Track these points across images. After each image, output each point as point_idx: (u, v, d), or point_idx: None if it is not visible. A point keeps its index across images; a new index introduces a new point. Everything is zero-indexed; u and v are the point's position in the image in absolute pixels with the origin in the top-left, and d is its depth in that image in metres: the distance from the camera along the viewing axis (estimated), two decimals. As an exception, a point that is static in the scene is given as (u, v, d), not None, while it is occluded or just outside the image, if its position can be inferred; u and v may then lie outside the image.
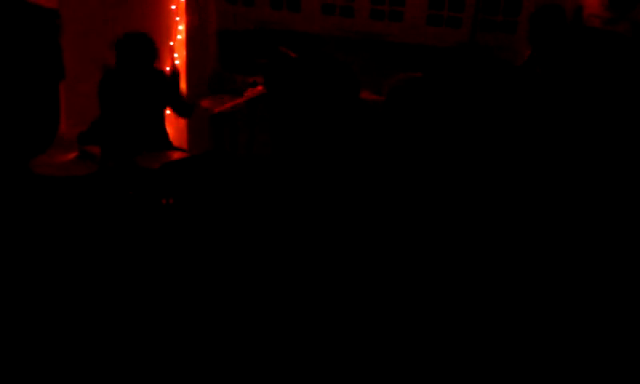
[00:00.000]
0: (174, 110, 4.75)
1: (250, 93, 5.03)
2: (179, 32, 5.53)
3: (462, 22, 5.43)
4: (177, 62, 5.50)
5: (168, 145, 4.64)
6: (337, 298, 3.43)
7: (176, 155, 4.35)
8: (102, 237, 3.92)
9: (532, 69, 4.27)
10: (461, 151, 3.50)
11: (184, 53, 5.57)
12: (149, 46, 4.42)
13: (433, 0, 5.50)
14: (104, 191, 4.06)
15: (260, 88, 4.92)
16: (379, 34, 5.61)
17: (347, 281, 3.52)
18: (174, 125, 5.18)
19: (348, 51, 5.08)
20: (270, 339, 3.18)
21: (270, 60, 4.45)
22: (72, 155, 3.93)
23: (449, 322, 3.25)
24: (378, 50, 5.54)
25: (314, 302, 3.42)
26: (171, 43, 5.45)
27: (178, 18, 5.49)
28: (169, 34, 5.45)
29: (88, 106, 4.55)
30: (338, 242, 3.73)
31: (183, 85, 5.33)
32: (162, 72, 4.64)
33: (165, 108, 4.66)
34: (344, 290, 3.47)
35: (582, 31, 4.14)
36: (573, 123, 3.44)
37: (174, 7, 5.44)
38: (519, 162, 3.55)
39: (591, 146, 3.34)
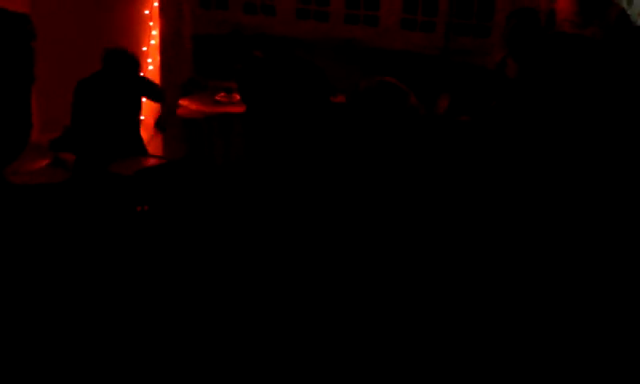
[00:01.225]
0: (148, 96, 4.72)
1: (224, 97, 5.02)
2: (153, 37, 5.49)
3: (435, 27, 5.47)
4: (151, 67, 5.46)
5: (143, 151, 4.60)
6: (328, 300, 3.42)
7: (151, 162, 4.31)
8: (76, 244, 3.86)
9: (504, 72, 4.32)
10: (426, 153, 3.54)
11: (158, 58, 5.53)
12: (135, 67, 4.42)
13: (407, 4, 5.53)
14: (78, 198, 4.01)
15: (235, 94, 4.90)
16: (354, 38, 5.62)
17: (332, 283, 3.51)
18: (149, 131, 5.13)
19: (324, 55, 5.09)
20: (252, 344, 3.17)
21: (244, 64, 4.44)
22: (45, 162, 3.88)
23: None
24: (353, 54, 5.56)
25: (294, 306, 3.41)
26: (144, 48, 5.41)
27: (151, 23, 5.45)
28: (142, 39, 5.41)
29: (60, 112, 4.49)
30: (314, 243, 3.72)
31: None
32: (138, 76, 4.61)
33: (139, 113, 4.62)
34: (334, 292, 3.47)
35: (554, 35, 4.20)
36: (546, 123, 3.48)
37: (147, 12, 5.40)
38: (493, 160, 3.59)
39: (564, 146, 3.38)
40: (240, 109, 4.68)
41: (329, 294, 3.46)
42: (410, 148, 3.89)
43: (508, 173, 3.54)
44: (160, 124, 4.81)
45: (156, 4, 5.45)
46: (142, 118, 4.74)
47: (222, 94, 5.05)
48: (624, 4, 5.31)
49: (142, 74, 4.77)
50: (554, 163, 3.39)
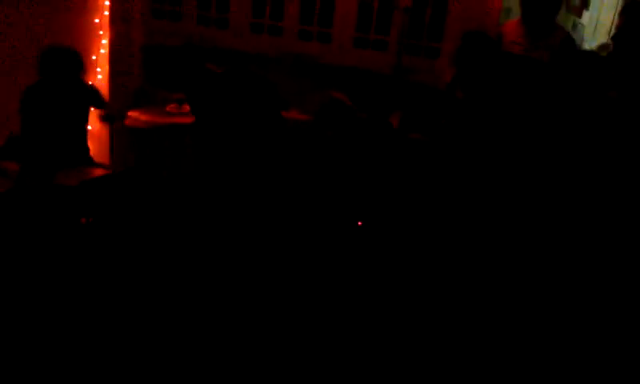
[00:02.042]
0: (95, 104, 4.61)
1: (174, 108, 4.96)
2: (102, 46, 5.38)
3: (388, 46, 5.53)
4: (99, 77, 5.35)
5: (89, 161, 4.49)
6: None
7: (97, 172, 4.21)
8: (18, 256, 3.73)
9: (454, 91, 4.40)
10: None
11: (107, 67, 5.43)
12: (75, 60, 4.29)
13: (360, 23, 5.59)
14: (21, 209, 3.88)
15: (186, 105, 4.84)
16: (307, 54, 5.64)
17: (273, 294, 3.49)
18: (96, 140, 5.02)
19: (276, 70, 5.08)
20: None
21: (194, 76, 4.40)
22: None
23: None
24: (307, 69, 5.57)
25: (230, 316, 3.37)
26: (94, 57, 5.30)
27: (101, 32, 5.35)
28: (91, 48, 5.30)
29: (4, 120, 4.35)
30: (263, 257, 3.70)
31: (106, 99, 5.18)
32: (86, 85, 4.51)
33: (87, 122, 4.51)
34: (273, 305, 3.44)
35: (503, 56, 4.30)
36: (493, 141, 3.56)
37: (97, 21, 5.29)
38: (444, 175, 3.65)
39: (511, 163, 3.46)
40: (190, 120, 4.63)
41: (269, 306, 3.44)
42: (362, 163, 3.93)
43: (459, 187, 3.60)
44: (108, 116, 4.68)
45: (106, 13, 5.35)
46: (89, 127, 4.64)
47: (173, 105, 4.99)
48: (569, 28, 5.48)
49: (90, 83, 4.67)
50: (502, 179, 3.46)
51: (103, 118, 4.67)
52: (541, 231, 3.29)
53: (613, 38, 4.31)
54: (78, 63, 4.32)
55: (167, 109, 4.96)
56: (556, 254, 3.25)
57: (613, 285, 3.11)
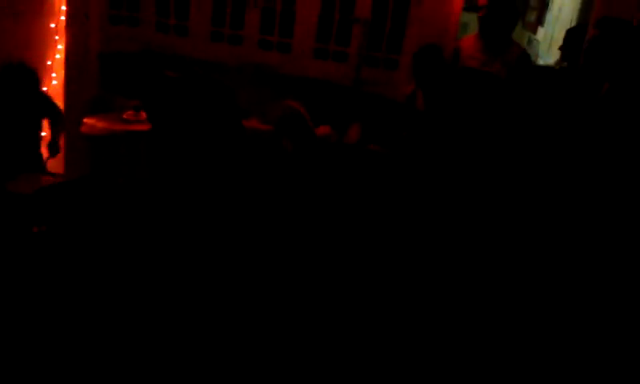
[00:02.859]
0: (49, 118, 4.51)
1: (130, 116, 4.88)
2: (58, 51, 5.27)
3: (348, 57, 5.57)
4: (55, 82, 5.25)
5: (42, 169, 4.39)
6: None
7: (51, 180, 4.12)
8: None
9: (414, 104, 4.46)
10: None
11: (62, 73, 5.32)
12: (29, 78, 4.22)
13: (320, 34, 5.61)
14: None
15: (143, 112, 4.78)
16: (267, 64, 5.64)
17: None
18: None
19: (236, 79, 5.06)
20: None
21: (151, 83, 4.35)
22: None
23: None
24: (266, 79, 5.56)
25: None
26: (49, 63, 5.19)
27: (57, 37, 5.24)
28: (47, 53, 5.19)
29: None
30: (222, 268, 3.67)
31: (61, 106, 5.08)
32: (42, 94, 4.43)
33: (40, 130, 4.42)
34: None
35: (460, 70, 4.38)
36: (452, 153, 3.62)
37: (53, 25, 5.19)
38: (405, 186, 3.69)
39: (471, 176, 3.52)
40: (147, 127, 4.57)
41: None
42: (319, 175, 3.94)
43: (420, 198, 3.65)
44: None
45: (63, 17, 5.25)
46: (43, 134, 4.54)
47: (130, 112, 4.91)
48: (524, 44, 5.62)
49: (44, 92, 4.58)
50: (462, 189, 3.52)
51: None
52: (503, 240, 3.35)
53: (561, 48, 4.45)
54: (33, 81, 4.24)
55: (124, 116, 4.88)
56: (508, 267, 3.31)
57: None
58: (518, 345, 3.16)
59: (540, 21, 8.01)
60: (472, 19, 5.55)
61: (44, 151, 4.53)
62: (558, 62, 4.78)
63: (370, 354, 3.17)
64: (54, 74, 5.21)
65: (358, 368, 3.08)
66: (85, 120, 4.88)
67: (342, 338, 3.26)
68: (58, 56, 5.26)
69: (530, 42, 7.93)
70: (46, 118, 4.53)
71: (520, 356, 3.11)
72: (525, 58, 4.46)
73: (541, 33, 7.86)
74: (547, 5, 7.78)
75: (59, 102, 5.03)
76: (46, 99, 4.50)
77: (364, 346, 3.22)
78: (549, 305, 3.21)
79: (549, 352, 3.10)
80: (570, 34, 4.44)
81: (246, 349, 3.16)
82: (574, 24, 6.12)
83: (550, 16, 7.64)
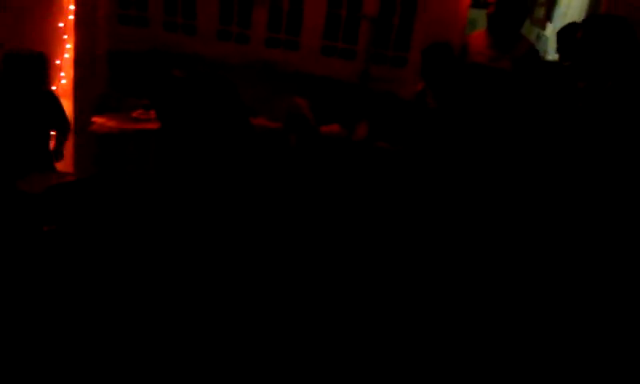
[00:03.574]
0: (56, 128, 4.53)
1: (139, 115, 4.90)
2: (67, 51, 5.29)
3: (355, 54, 5.56)
4: (64, 81, 5.27)
5: (51, 168, 4.41)
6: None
7: (61, 179, 4.14)
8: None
9: (424, 101, 4.45)
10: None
11: (71, 72, 5.34)
12: (42, 65, 4.21)
13: (328, 31, 5.61)
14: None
15: (153, 112, 4.80)
16: (275, 61, 5.64)
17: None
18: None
19: (243, 77, 5.06)
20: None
21: (159, 82, 4.37)
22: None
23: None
24: (274, 77, 5.57)
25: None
26: (58, 62, 5.21)
27: (65, 37, 5.26)
28: (55, 52, 5.21)
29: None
30: (233, 267, 3.68)
31: (70, 105, 5.10)
32: (50, 92, 4.43)
33: (50, 129, 4.43)
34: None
35: (469, 67, 4.37)
36: (464, 149, 3.61)
37: (61, 25, 5.21)
38: (418, 183, 3.68)
39: (482, 170, 3.52)
40: (156, 126, 4.59)
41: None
42: (324, 171, 3.94)
43: (432, 195, 3.64)
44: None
45: (71, 17, 5.27)
46: (52, 133, 4.56)
47: (139, 110, 4.93)
48: (533, 40, 5.59)
49: (55, 94, 4.58)
50: (477, 185, 3.52)
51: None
52: (513, 235, 3.35)
53: (558, 50, 4.43)
54: (42, 66, 4.22)
55: (133, 114, 4.90)
56: (524, 260, 3.30)
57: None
58: (519, 344, 3.16)
59: (548, 17, 7.97)
60: (480, 16, 5.53)
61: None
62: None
63: (371, 353, 3.17)
64: (62, 74, 5.24)
65: (357, 368, 3.08)
66: (94, 119, 4.90)
67: (342, 338, 3.26)
68: (66, 56, 5.28)
69: (538, 38, 7.90)
70: (53, 127, 4.53)
71: (520, 356, 3.11)
72: (533, 53, 4.45)
73: (549, 29, 7.82)
74: (555, 0, 7.74)
75: (68, 102, 5.05)
76: (56, 102, 4.50)
77: (365, 345, 3.22)
78: (555, 303, 3.22)
79: (549, 352, 3.10)
80: (562, 34, 4.43)
81: (246, 348, 3.16)
82: (582, 19, 6.08)
83: (559, 11, 7.60)
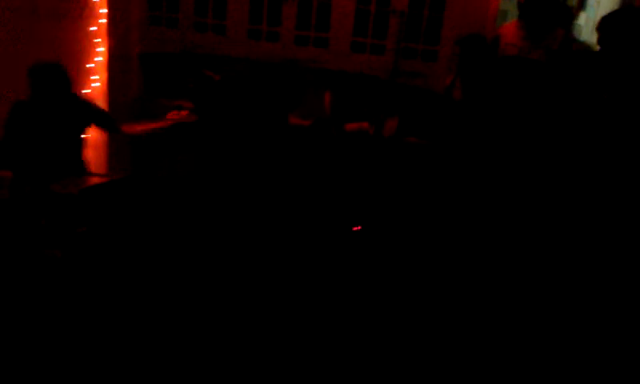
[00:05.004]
0: (101, 127, 4.59)
1: (173, 116, 4.93)
2: (100, 54, 5.37)
3: (385, 50, 5.53)
4: (97, 84, 5.34)
5: (84, 172, 4.48)
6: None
7: (95, 180, 4.19)
8: (13, 268, 3.71)
9: (452, 95, 4.40)
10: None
11: (105, 75, 5.42)
12: (62, 77, 4.27)
13: (357, 27, 5.59)
14: (15, 218, 3.86)
15: (185, 112, 4.83)
16: (304, 59, 5.63)
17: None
18: (92, 150, 5.00)
19: (274, 76, 5.07)
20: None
21: (197, 83, 4.40)
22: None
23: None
24: (305, 75, 5.56)
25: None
26: (91, 65, 5.29)
27: (98, 40, 5.34)
28: (88, 56, 5.29)
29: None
30: (269, 265, 3.70)
31: (105, 107, 5.17)
32: (78, 97, 4.49)
33: (82, 133, 4.49)
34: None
35: (501, 59, 4.30)
36: (496, 143, 3.56)
37: (93, 29, 5.29)
38: (449, 178, 3.65)
39: (515, 164, 3.47)
40: (190, 123, 4.63)
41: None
42: (359, 168, 3.92)
43: (464, 190, 3.61)
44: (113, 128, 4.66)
45: (103, 20, 5.34)
46: (84, 136, 4.61)
47: (174, 112, 4.96)
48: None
49: (87, 98, 4.64)
50: (505, 178, 3.48)
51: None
52: (540, 229, 3.30)
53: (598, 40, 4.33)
54: (63, 80, 4.29)
55: (167, 116, 4.94)
56: (556, 253, 3.25)
57: (607, 285, 3.12)
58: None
59: (582, 5, 7.80)
60: (511, 6, 5.44)
61: (88, 152, 4.60)
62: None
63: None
64: (95, 77, 5.31)
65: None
66: (128, 121, 4.95)
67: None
68: (99, 58, 5.37)
69: (572, 26, 7.74)
70: (97, 125, 4.59)
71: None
72: (568, 42, 4.36)
73: (582, 17, 7.66)
74: (589, -11, 7.58)
75: (103, 105, 5.12)
76: (87, 105, 4.55)
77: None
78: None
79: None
80: (606, 20, 4.31)
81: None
82: (616, 7, 5.94)
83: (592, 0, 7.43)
